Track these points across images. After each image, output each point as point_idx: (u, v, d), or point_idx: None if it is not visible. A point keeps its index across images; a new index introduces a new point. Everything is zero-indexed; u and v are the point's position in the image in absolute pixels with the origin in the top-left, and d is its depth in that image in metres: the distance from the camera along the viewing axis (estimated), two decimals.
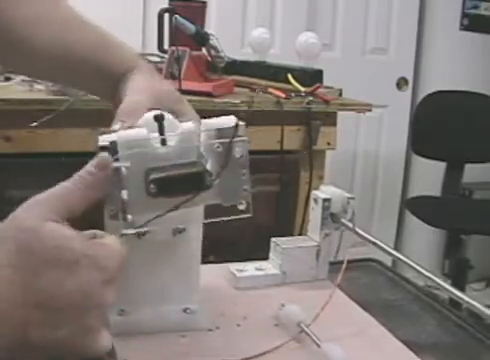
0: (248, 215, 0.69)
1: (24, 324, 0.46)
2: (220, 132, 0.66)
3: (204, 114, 0.71)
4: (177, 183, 0.62)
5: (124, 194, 0.59)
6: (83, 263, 0.49)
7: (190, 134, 0.65)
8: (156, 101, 0.70)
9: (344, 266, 0.79)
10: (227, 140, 0.66)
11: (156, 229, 0.68)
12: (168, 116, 0.67)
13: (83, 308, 0.48)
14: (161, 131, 0.63)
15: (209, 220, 0.71)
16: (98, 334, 0.50)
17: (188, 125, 0.66)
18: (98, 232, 0.57)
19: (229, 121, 0.67)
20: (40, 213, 0.49)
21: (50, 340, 0.47)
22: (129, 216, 0.60)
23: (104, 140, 0.62)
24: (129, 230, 0.61)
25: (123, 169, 0.59)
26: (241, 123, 0.67)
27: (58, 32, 0.76)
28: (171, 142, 0.64)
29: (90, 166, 0.56)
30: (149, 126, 0.65)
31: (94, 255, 0.50)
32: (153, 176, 0.62)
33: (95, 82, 0.79)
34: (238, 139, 0.66)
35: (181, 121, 0.68)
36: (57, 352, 0.48)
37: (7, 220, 0.49)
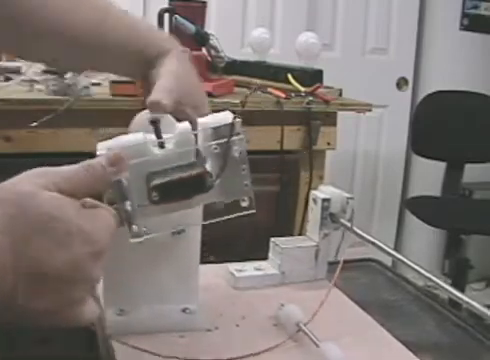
0: (252, 211, 0.68)
1: (13, 289, 0.46)
2: (216, 131, 0.66)
3: None
4: (178, 187, 0.62)
5: (127, 205, 0.59)
6: (76, 235, 0.48)
7: (187, 135, 0.64)
8: (181, 95, 0.69)
9: (340, 266, 0.79)
10: (224, 140, 0.65)
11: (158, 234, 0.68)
12: (166, 116, 0.66)
13: (71, 280, 0.49)
14: (158, 134, 0.63)
15: (213, 220, 0.70)
16: (83, 306, 0.50)
17: (185, 125, 0.66)
18: (91, 201, 0.55)
19: (225, 118, 0.67)
20: (42, 182, 0.49)
21: (35, 307, 0.48)
22: (134, 226, 0.60)
23: (102, 148, 0.62)
24: (136, 239, 0.61)
25: (123, 180, 0.59)
26: (237, 119, 0.66)
27: (91, 20, 0.76)
28: (169, 144, 0.63)
29: (103, 159, 0.55)
30: (147, 127, 0.65)
31: (88, 228, 0.50)
32: (154, 183, 0.61)
33: (127, 65, 0.79)
34: (235, 138, 0.66)
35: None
36: (41, 320, 0.49)
37: (7, 182, 0.49)
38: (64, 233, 0.48)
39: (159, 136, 0.63)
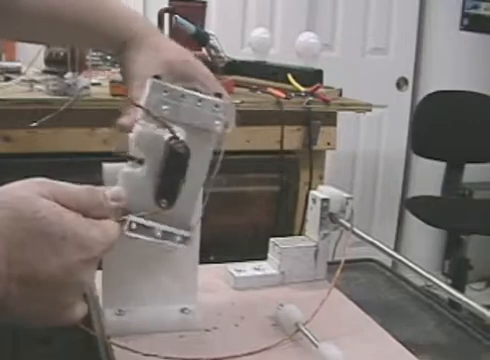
0: (228, 130, 0.67)
1: (6, 292, 0.47)
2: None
3: None
4: (169, 179, 0.62)
5: (158, 233, 0.62)
6: (71, 241, 0.49)
7: (142, 135, 0.62)
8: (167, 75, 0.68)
9: (341, 266, 0.79)
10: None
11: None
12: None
13: (63, 285, 0.49)
14: (129, 157, 0.63)
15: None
16: (74, 308, 0.51)
17: (135, 129, 0.63)
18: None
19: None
20: (42, 190, 0.50)
21: (28, 310, 0.48)
22: (177, 237, 0.64)
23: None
24: (187, 243, 0.65)
25: (138, 220, 0.61)
26: (155, 80, 0.63)
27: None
28: (141, 153, 0.63)
29: (107, 190, 0.56)
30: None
31: (83, 234, 0.50)
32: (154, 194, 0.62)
33: (102, 44, 0.78)
34: (153, 101, 0.63)
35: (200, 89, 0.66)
36: (34, 321, 0.50)
37: (7, 186, 0.50)
38: (59, 238, 0.48)
39: (131, 157, 0.62)
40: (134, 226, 0.60)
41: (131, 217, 0.60)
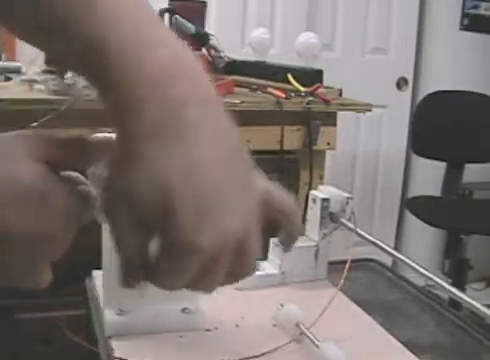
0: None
1: None
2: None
3: None
4: None
5: None
6: (52, 206, 0.47)
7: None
8: None
9: (347, 266, 0.79)
10: None
11: None
12: None
13: (35, 247, 0.47)
14: None
15: None
16: (42, 274, 0.49)
17: None
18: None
19: None
20: (31, 152, 0.47)
21: None
22: None
23: None
24: None
25: None
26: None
27: None
28: None
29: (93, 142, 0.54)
30: None
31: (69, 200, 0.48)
32: None
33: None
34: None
35: None
36: None
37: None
38: (41, 202, 0.46)
39: None
40: None
41: None
